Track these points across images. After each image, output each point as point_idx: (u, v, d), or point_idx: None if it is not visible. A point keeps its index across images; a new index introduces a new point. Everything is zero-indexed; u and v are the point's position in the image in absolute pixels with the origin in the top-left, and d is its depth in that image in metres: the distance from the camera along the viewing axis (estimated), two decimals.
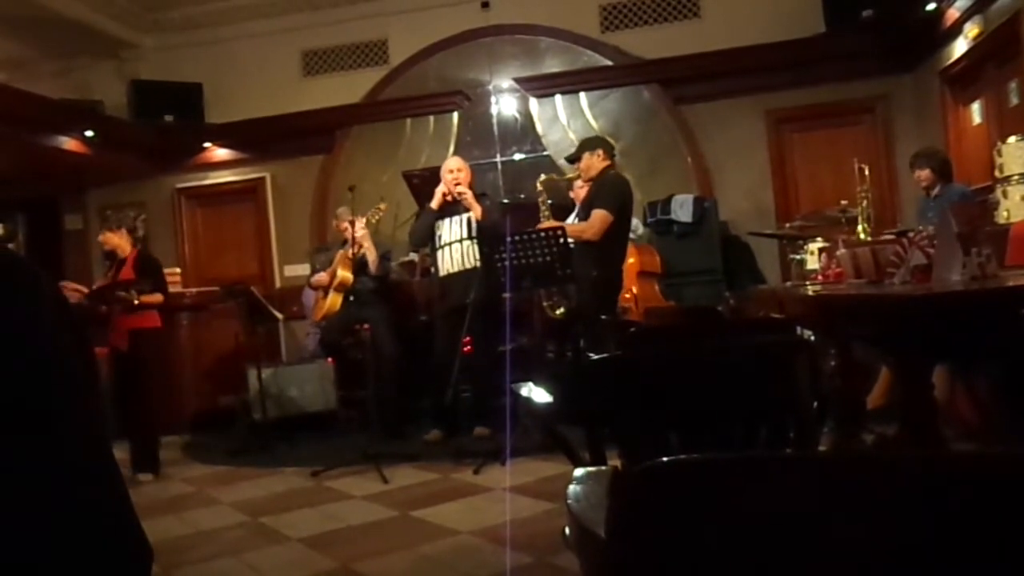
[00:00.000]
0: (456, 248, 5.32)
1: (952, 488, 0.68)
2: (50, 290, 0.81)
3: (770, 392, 1.44)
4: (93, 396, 0.81)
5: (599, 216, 4.85)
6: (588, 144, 5.21)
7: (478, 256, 5.19)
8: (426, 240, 5.53)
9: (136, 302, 4.86)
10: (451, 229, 5.37)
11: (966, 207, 2.68)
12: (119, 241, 5.09)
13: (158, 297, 5.01)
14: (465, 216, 5.33)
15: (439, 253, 5.39)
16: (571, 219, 6.18)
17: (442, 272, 5.38)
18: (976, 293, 1.86)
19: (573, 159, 5.23)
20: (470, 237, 5.29)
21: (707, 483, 0.64)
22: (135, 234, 5.25)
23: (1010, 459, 0.68)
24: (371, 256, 5.59)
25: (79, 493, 0.72)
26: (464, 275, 5.23)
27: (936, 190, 5.14)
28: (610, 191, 4.99)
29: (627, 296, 5.24)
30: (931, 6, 5.83)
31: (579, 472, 0.95)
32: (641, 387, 1.31)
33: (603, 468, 0.96)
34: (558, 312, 5.11)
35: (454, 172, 5.37)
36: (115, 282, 4.96)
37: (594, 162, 5.06)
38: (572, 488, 0.91)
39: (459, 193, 5.27)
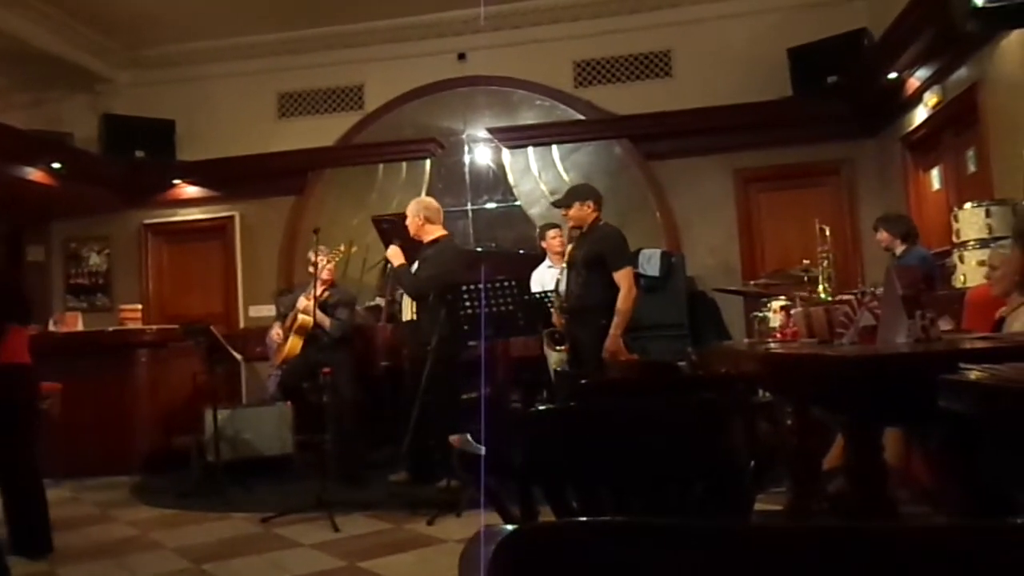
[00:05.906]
0: (407, 298, 5.32)
1: (861, 564, 0.66)
2: None
3: (701, 451, 1.42)
4: None
5: (623, 276, 4.74)
6: (579, 193, 4.99)
7: (415, 309, 5.18)
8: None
9: None
10: None
11: (910, 270, 2.71)
12: None
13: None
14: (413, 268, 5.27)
15: (404, 300, 5.37)
16: (545, 267, 6.03)
17: (405, 318, 5.37)
18: (915, 355, 1.86)
19: (561, 205, 5.01)
20: None
21: (578, 550, 0.62)
22: None
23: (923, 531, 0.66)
24: (325, 324, 5.55)
25: None
26: (410, 325, 5.26)
27: (899, 251, 5.22)
28: (618, 247, 4.85)
29: None
30: (892, 75, 5.99)
31: (483, 531, 0.92)
32: (565, 441, 1.29)
33: (505, 527, 0.94)
34: (558, 349, 5.00)
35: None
36: None
37: (585, 212, 4.87)
38: (467, 548, 0.88)
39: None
